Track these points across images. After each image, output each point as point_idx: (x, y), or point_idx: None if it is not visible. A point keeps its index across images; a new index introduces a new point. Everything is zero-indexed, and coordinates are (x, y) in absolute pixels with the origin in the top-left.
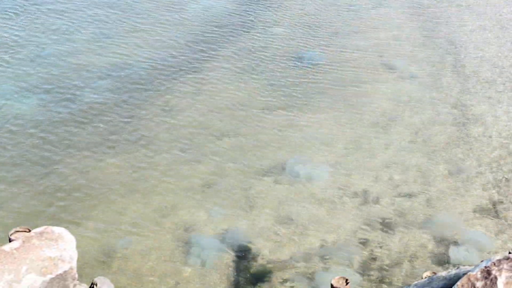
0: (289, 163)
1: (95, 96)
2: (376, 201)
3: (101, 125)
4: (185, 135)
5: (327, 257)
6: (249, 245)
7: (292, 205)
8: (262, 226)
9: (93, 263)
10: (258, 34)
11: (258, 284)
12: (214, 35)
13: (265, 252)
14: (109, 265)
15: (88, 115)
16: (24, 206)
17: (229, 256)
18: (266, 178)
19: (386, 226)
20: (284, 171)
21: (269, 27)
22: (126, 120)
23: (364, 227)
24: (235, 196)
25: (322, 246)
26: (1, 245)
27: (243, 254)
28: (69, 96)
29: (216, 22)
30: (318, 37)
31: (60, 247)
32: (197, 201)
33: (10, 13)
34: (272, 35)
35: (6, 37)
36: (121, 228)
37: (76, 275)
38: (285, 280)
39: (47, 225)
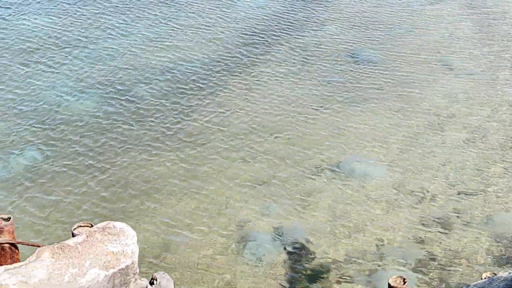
0: (344, 161)
1: (150, 94)
2: (433, 200)
3: (156, 123)
4: (239, 133)
5: (384, 256)
6: (304, 242)
7: (347, 203)
8: (317, 223)
9: (149, 257)
10: (311, 32)
11: (313, 282)
12: (266, 33)
13: (321, 249)
14: (165, 260)
15: (143, 112)
16: (81, 201)
17: (284, 253)
18: (321, 176)
19: (443, 225)
20: (339, 169)
21: (322, 25)
22: (180, 118)
23: (420, 226)
24: (290, 193)
25: (378, 245)
26: (65, 240)
27: (298, 251)
28: (124, 94)
29: (269, 20)
30: (372, 35)
31: (122, 242)
32: (251, 198)
33: (67, 12)
34: (325, 33)
35: (62, 35)
36: (176, 224)
37: (137, 270)
38: (341, 279)
39: (103, 220)
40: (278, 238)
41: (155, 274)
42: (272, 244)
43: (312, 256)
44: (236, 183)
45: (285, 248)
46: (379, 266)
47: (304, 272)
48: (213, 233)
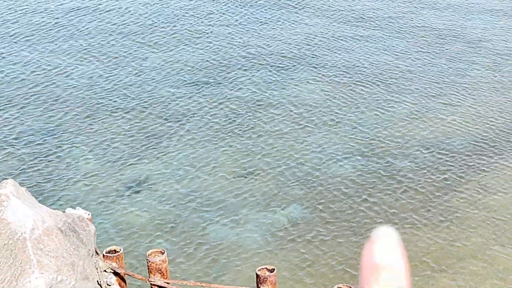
0: None
1: (410, 166)
2: None
3: (416, 194)
4: (503, 217)
5: None
6: None
7: None
8: None
9: None
10: None
11: None
12: None
13: None
14: None
15: (402, 182)
16: (338, 262)
17: None
18: None
19: None
20: None
21: None
22: (440, 193)
23: None
24: None
25: None
26: None
27: None
28: (385, 163)
29: None
30: None
31: None
32: None
33: (331, 79)
34: None
35: (326, 102)
36: None
37: None
38: None
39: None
40: None
41: None
42: None
43: None
44: (493, 270)
45: None
46: None
47: None
48: None
